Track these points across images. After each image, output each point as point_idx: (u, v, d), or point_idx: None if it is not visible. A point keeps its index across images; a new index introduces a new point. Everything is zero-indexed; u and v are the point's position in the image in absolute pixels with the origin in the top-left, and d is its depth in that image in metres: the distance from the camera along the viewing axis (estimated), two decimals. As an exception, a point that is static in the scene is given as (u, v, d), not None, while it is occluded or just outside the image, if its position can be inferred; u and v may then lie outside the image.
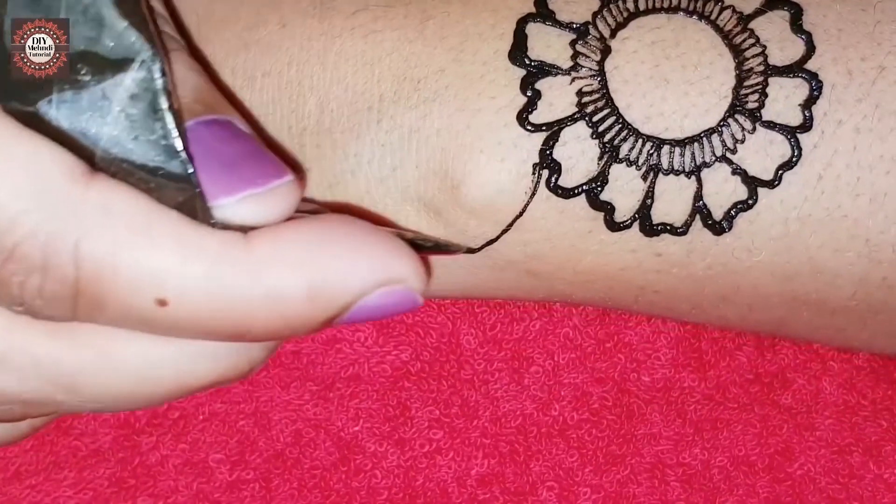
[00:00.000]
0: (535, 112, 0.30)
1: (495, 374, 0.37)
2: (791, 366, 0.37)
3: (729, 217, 0.30)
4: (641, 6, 0.31)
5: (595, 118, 0.30)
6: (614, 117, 0.30)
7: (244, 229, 0.26)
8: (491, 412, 0.37)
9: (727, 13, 0.30)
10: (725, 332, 0.37)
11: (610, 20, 0.31)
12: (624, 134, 0.30)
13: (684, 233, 0.31)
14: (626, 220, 0.31)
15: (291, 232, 0.26)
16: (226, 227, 0.25)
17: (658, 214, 0.31)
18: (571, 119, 0.30)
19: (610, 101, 0.30)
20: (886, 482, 0.36)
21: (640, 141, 0.30)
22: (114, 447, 0.36)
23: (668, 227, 0.31)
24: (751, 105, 0.30)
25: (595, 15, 0.31)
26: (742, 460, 0.36)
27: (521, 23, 0.31)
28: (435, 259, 0.32)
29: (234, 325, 0.26)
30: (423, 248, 0.29)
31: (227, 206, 0.25)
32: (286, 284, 0.25)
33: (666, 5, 0.31)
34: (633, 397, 0.36)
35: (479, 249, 0.31)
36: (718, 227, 0.30)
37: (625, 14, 0.30)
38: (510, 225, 0.31)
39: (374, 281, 0.26)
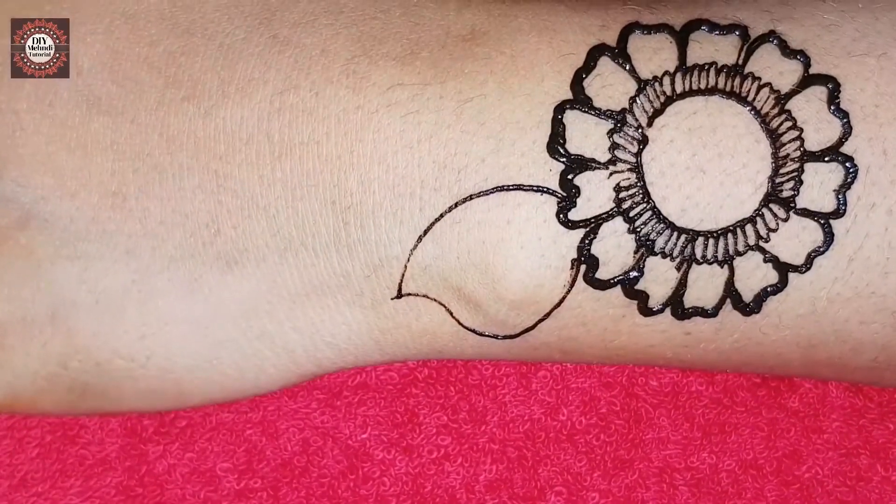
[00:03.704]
0: (573, 208, 0.30)
1: (503, 379, 0.37)
2: (797, 369, 0.37)
3: (759, 300, 0.30)
4: (678, 88, 0.30)
5: (632, 213, 0.30)
6: (650, 211, 0.30)
7: None
8: (499, 417, 0.37)
9: (764, 92, 0.30)
10: (732, 336, 0.37)
11: (647, 106, 0.30)
12: (659, 228, 0.30)
13: (714, 315, 0.31)
14: (659, 307, 0.31)
15: None
16: None
17: (690, 299, 0.31)
18: (609, 215, 0.30)
19: (646, 196, 0.30)
20: (894, 484, 0.36)
21: (676, 234, 0.30)
22: (121, 456, 0.36)
23: (700, 311, 0.31)
24: (786, 193, 0.30)
25: (632, 100, 0.30)
26: (750, 464, 0.36)
27: (558, 111, 0.30)
28: (473, 339, 0.32)
29: None
30: None
31: None
32: None
33: (703, 86, 0.30)
34: (641, 402, 0.37)
35: (517, 336, 0.32)
36: (748, 310, 0.31)
37: (662, 98, 0.30)
38: (547, 315, 0.31)
39: None
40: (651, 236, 0.30)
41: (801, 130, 0.30)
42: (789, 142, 0.30)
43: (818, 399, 0.36)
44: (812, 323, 0.31)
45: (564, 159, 0.30)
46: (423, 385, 0.37)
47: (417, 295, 0.32)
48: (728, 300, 0.30)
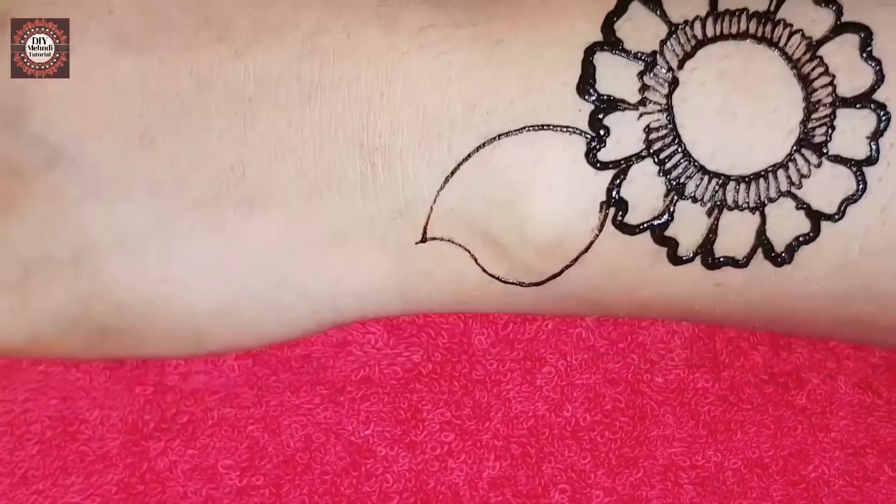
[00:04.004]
0: (603, 149, 0.30)
1: (507, 375, 0.36)
2: (806, 365, 0.36)
3: (790, 249, 0.30)
4: (709, 32, 0.30)
5: (662, 155, 0.29)
6: (681, 154, 0.29)
7: None
8: (503, 413, 0.36)
9: (796, 38, 0.29)
10: (741, 332, 0.36)
11: (678, 49, 0.29)
12: (690, 171, 0.29)
13: (745, 265, 0.30)
14: (689, 255, 0.30)
15: None
16: None
17: (720, 248, 0.30)
18: (638, 157, 0.29)
19: (677, 138, 0.29)
20: (902, 484, 0.36)
21: (706, 178, 0.29)
22: (122, 452, 0.35)
23: (731, 260, 0.30)
24: (818, 139, 0.29)
25: (662, 43, 0.30)
26: (756, 462, 0.36)
27: (589, 53, 0.30)
28: (498, 287, 0.32)
29: None
30: None
31: None
32: None
33: (734, 31, 0.30)
34: (646, 399, 0.36)
35: (544, 283, 0.31)
36: (780, 260, 0.30)
37: (693, 42, 0.30)
38: (574, 260, 0.31)
39: None
40: (681, 179, 0.29)
41: (834, 77, 0.29)
42: (821, 87, 0.29)
43: (826, 396, 0.36)
44: (843, 276, 0.30)
45: (594, 100, 0.29)
46: (426, 380, 0.36)
47: (442, 239, 0.31)
48: (759, 250, 0.30)
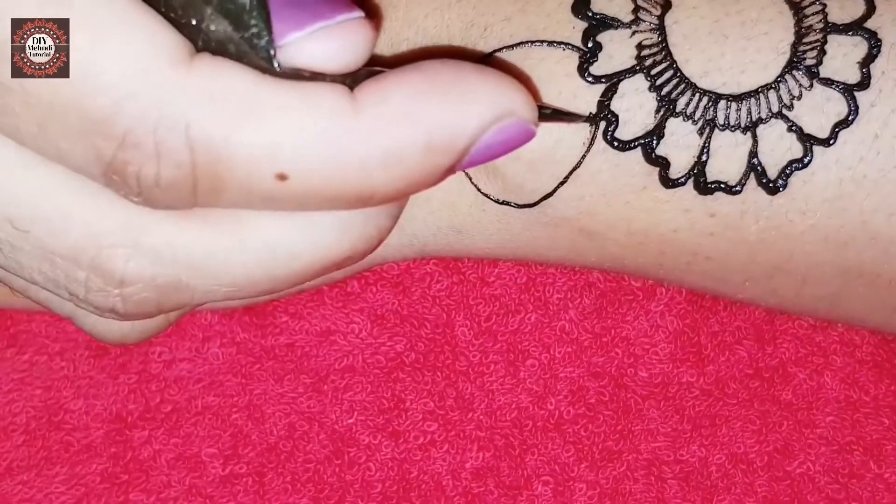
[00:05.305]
0: (595, 64, 0.30)
1: (490, 367, 0.36)
2: (792, 360, 0.36)
3: (783, 175, 0.30)
4: None
5: (653, 71, 0.30)
6: (672, 71, 0.30)
7: (318, 76, 0.25)
8: (486, 405, 0.36)
9: None
10: (725, 326, 0.36)
11: None
12: (681, 88, 0.30)
13: (739, 191, 0.30)
14: (681, 177, 0.30)
15: (397, 83, 0.25)
16: (297, 73, 0.25)
17: (713, 172, 0.30)
18: (630, 71, 0.30)
19: (668, 55, 0.30)
20: (886, 482, 0.35)
21: (697, 95, 0.30)
22: (106, 442, 0.36)
23: (723, 186, 0.30)
24: (808, 61, 0.30)
25: None
26: (740, 458, 0.35)
27: None
28: (492, 210, 0.32)
29: (357, 191, 0.25)
30: (541, 115, 0.28)
31: (295, 43, 0.25)
32: (403, 141, 0.25)
33: None
34: (630, 392, 0.36)
35: (537, 203, 0.31)
36: (773, 186, 0.30)
37: None
38: (567, 176, 0.31)
39: (488, 120, 0.25)
40: (672, 95, 0.30)
41: (825, 5, 0.30)
42: (812, 14, 0.30)
43: (812, 391, 0.36)
44: (839, 211, 0.30)
45: (588, 18, 0.30)
46: (409, 370, 0.36)
47: None
48: (752, 175, 0.30)
